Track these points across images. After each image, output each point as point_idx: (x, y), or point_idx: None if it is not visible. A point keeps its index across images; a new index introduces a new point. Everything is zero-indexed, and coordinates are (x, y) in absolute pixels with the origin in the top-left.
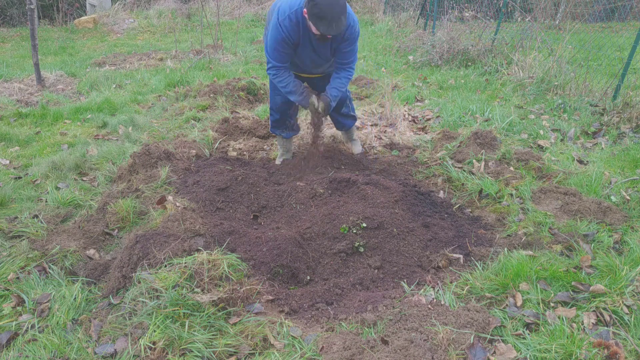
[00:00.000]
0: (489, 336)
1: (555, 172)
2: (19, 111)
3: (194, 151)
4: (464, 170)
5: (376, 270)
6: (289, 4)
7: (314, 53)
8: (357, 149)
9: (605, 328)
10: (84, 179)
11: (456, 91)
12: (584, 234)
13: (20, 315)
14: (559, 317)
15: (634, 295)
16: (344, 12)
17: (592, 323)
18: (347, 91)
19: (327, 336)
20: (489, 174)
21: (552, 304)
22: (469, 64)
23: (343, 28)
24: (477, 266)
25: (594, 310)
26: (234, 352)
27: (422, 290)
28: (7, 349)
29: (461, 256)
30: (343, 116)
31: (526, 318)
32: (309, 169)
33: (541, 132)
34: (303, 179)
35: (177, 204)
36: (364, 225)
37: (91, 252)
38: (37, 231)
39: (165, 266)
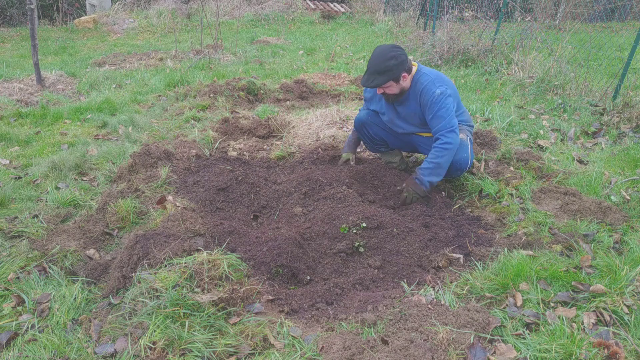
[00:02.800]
0: (489, 336)
1: (555, 172)
2: (19, 111)
3: (194, 151)
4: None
5: (376, 270)
6: None
7: (395, 115)
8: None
9: (605, 328)
10: (84, 179)
11: None
12: (584, 234)
13: (20, 315)
14: (559, 317)
15: (634, 295)
16: (381, 71)
17: (592, 323)
18: (465, 158)
19: (327, 336)
20: (489, 173)
21: (552, 304)
22: (469, 63)
23: (374, 84)
24: (477, 266)
25: (594, 310)
26: (234, 352)
27: (422, 290)
28: (7, 349)
29: (461, 256)
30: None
31: (526, 318)
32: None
33: (541, 132)
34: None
35: (177, 204)
36: (364, 225)
37: (91, 252)
38: (37, 231)
39: (165, 266)
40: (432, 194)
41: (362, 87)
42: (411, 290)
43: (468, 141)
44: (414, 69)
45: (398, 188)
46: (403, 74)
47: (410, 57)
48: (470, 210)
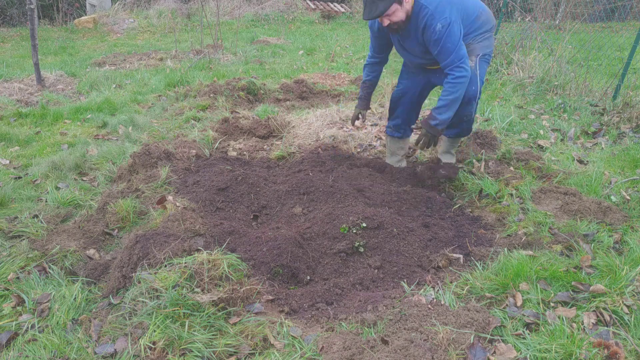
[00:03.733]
0: (489, 336)
1: (555, 172)
2: (19, 111)
3: (194, 151)
4: (464, 170)
5: (376, 270)
6: None
7: (401, 47)
8: (445, 158)
9: (605, 328)
10: (84, 179)
11: None
12: (584, 234)
13: (20, 315)
14: (559, 317)
15: (634, 295)
16: None
17: (592, 323)
18: (475, 90)
19: (327, 336)
20: (489, 173)
21: (552, 304)
22: None
23: (377, 12)
24: (477, 266)
25: (594, 310)
26: (234, 352)
27: (422, 290)
28: (7, 349)
29: (461, 256)
30: (457, 117)
31: (526, 318)
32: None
33: (541, 132)
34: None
35: (177, 204)
36: (364, 225)
37: (91, 252)
38: (37, 231)
39: (165, 266)
40: (433, 195)
41: (367, 19)
42: (411, 290)
43: (477, 67)
44: None
45: (413, 126)
46: None
47: None
48: (470, 210)
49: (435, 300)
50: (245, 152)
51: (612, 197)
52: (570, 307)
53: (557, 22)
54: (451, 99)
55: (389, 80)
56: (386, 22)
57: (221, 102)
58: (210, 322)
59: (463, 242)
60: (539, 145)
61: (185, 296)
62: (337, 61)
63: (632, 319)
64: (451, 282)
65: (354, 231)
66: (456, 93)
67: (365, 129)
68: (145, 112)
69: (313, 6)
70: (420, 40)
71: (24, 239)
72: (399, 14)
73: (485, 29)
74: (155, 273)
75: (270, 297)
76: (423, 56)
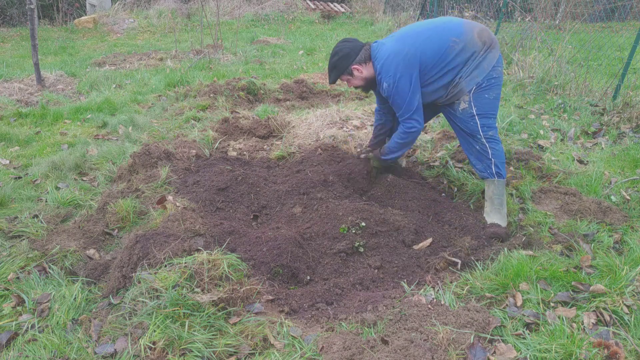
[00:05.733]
0: (489, 336)
1: (555, 172)
2: (19, 111)
3: (194, 151)
4: (464, 170)
5: (376, 270)
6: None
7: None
8: (489, 217)
9: (605, 328)
10: (84, 179)
11: None
12: (584, 234)
13: (20, 315)
14: (559, 317)
15: (634, 295)
16: (330, 68)
17: (592, 323)
18: (473, 126)
19: (327, 336)
20: None
21: (552, 304)
22: None
23: (330, 80)
24: (477, 266)
25: (594, 310)
26: (234, 352)
27: (422, 290)
28: (7, 348)
29: (459, 262)
30: (472, 152)
31: (526, 318)
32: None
33: (541, 132)
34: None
35: (177, 204)
36: (363, 224)
37: (91, 252)
38: (37, 231)
39: (165, 266)
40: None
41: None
42: (411, 290)
43: (471, 104)
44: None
45: (361, 156)
46: (354, 66)
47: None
48: (471, 210)
49: (435, 300)
50: (245, 152)
51: (612, 197)
52: (570, 307)
53: (557, 22)
54: (401, 143)
55: None
56: (349, 85)
57: (221, 102)
58: (210, 322)
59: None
60: (539, 145)
61: (185, 296)
62: None
63: (632, 319)
64: (451, 282)
65: (354, 231)
66: (406, 140)
67: (365, 129)
68: (145, 112)
69: (313, 6)
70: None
71: (24, 239)
72: (353, 81)
73: (469, 57)
74: (155, 273)
75: (270, 297)
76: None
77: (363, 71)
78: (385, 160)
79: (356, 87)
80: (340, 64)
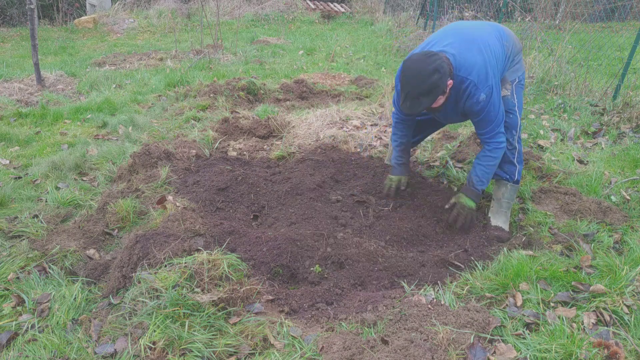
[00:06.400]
0: (489, 336)
1: (555, 172)
2: (19, 111)
3: (194, 151)
4: (464, 170)
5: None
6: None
7: (432, 114)
8: (494, 218)
9: (605, 328)
10: (84, 179)
11: None
12: (584, 234)
13: (20, 315)
14: (559, 317)
15: (634, 295)
16: (426, 91)
17: (592, 323)
18: (514, 119)
19: (327, 336)
20: None
21: (552, 304)
22: None
23: (421, 108)
24: (477, 266)
25: (594, 310)
26: (234, 352)
27: (422, 290)
28: (7, 348)
29: (462, 266)
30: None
31: (526, 318)
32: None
33: (541, 132)
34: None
35: (177, 204)
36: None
37: (91, 252)
38: (37, 231)
39: (165, 266)
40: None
41: (398, 108)
42: (411, 290)
43: (514, 95)
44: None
45: (446, 207)
46: (448, 82)
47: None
48: None
49: (435, 300)
50: (245, 152)
51: (612, 197)
52: (570, 307)
53: (557, 22)
54: (494, 164)
55: (389, 80)
56: (435, 105)
57: (221, 102)
58: (210, 322)
59: (464, 243)
60: (539, 145)
61: (185, 296)
62: (337, 61)
63: (632, 319)
64: (451, 282)
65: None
66: (497, 159)
67: (365, 129)
68: (145, 112)
69: (313, 6)
70: (460, 109)
71: (24, 239)
72: (440, 101)
73: (514, 56)
74: (155, 273)
75: (270, 297)
76: (458, 120)
77: (450, 84)
78: (480, 192)
79: (435, 109)
80: (442, 83)
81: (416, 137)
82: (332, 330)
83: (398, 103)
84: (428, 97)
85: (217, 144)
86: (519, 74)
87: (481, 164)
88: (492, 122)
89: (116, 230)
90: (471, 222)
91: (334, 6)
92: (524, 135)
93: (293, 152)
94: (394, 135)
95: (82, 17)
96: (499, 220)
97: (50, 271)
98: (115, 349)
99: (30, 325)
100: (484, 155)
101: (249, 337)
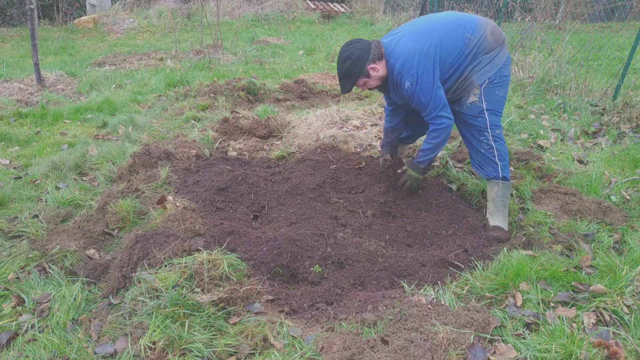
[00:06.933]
0: (489, 336)
1: (555, 172)
2: (19, 111)
3: (194, 151)
4: (464, 170)
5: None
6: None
7: (395, 98)
8: (492, 219)
9: (605, 328)
10: (84, 179)
11: None
12: (584, 234)
13: (20, 315)
14: (559, 317)
15: (634, 295)
16: (344, 76)
17: (592, 323)
18: (482, 121)
19: (327, 336)
20: None
21: (552, 304)
22: None
23: (345, 90)
24: (477, 266)
25: (594, 310)
26: (234, 352)
27: (422, 290)
28: (7, 348)
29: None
30: (478, 153)
31: (526, 318)
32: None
33: (541, 132)
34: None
35: (177, 204)
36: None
37: (91, 252)
38: (37, 231)
39: (165, 266)
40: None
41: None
42: (411, 290)
43: (482, 99)
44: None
45: (398, 171)
46: (370, 66)
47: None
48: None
49: (435, 300)
50: (245, 152)
51: (612, 197)
52: (570, 307)
53: (557, 22)
54: (434, 143)
55: None
56: (364, 88)
57: (221, 102)
58: (210, 322)
59: (464, 243)
60: (539, 145)
61: (185, 296)
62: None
63: (632, 319)
64: (451, 282)
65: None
66: (438, 138)
67: (365, 129)
68: (145, 112)
69: (313, 6)
70: (401, 94)
71: (24, 239)
72: (370, 83)
73: (483, 51)
74: (155, 273)
75: (270, 297)
76: (405, 103)
77: (379, 69)
78: (423, 167)
79: (372, 89)
80: (354, 68)
81: (406, 132)
82: (332, 330)
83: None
84: (347, 80)
85: (217, 144)
86: (491, 74)
87: (425, 141)
88: (426, 106)
89: (116, 230)
90: (417, 187)
91: (334, 6)
92: (524, 135)
93: (293, 152)
94: (385, 120)
95: (82, 17)
96: (497, 220)
97: (50, 271)
98: (115, 349)
99: (30, 325)
100: (428, 133)
101: (249, 337)
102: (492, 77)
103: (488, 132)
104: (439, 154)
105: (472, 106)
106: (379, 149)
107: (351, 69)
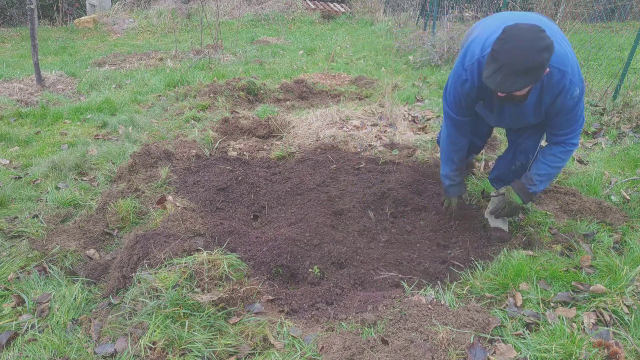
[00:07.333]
0: (489, 336)
1: None
2: (19, 111)
3: (194, 151)
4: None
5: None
6: (484, 41)
7: (492, 110)
8: (492, 219)
9: (605, 328)
10: (84, 179)
11: None
12: (584, 234)
13: (20, 315)
14: (559, 317)
15: (634, 295)
16: (531, 68)
17: (592, 323)
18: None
19: (327, 336)
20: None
21: (552, 304)
22: None
23: (514, 87)
24: (477, 266)
25: (594, 310)
26: (234, 352)
27: (422, 290)
28: (7, 349)
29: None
30: (515, 167)
31: (526, 318)
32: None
33: None
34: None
35: (177, 204)
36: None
37: (91, 252)
38: (37, 231)
39: (165, 266)
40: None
41: (499, 92)
42: (411, 290)
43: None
44: None
45: (492, 194)
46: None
47: (411, 57)
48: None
49: (435, 300)
50: (245, 152)
51: (612, 197)
52: (570, 307)
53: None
54: (561, 166)
55: (389, 80)
56: (520, 94)
57: (221, 102)
58: (210, 322)
59: (464, 244)
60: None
61: (185, 296)
62: (337, 61)
63: (632, 319)
64: (451, 282)
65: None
66: (564, 162)
67: (365, 129)
68: (145, 112)
69: (313, 6)
70: (544, 106)
71: (24, 239)
72: (525, 89)
73: None
74: (155, 273)
75: (270, 297)
76: (530, 120)
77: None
78: (535, 194)
79: (520, 96)
80: (547, 63)
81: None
82: (332, 330)
83: (453, 105)
84: (528, 76)
85: (217, 144)
86: None
87: (546, 164)
88: (577, 121)
89: (116, 230)
90: (515, 214)
91: (334, 6)
92: None
93: (293, 152)
94: (447, 146)
95: (82, 17)
96: (497, 220)
97: (50, 271)
98: (115, 349)
99: (30, 325)
100: (551, 154)
101: (249, 337)
102: None
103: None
104: (439, 154)
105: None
106: (379, 148)
107: (544, 65)
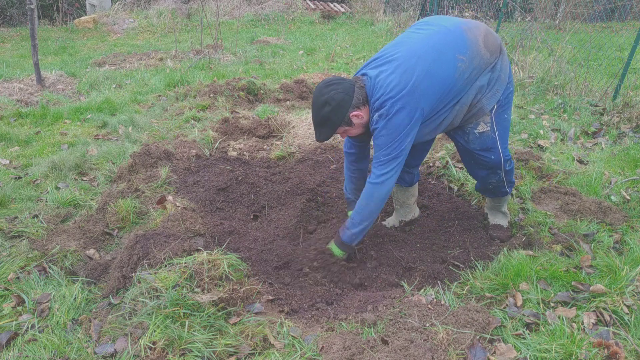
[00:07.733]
0: (489, 336)
1: (555, 172)
2: (19, 111)
3: (194, 151)
4: (465, 171)
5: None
6: None
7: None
8: (492, 215)
9: (605, 328)
10: (84, 179)
11: None
12: (584, 234)
13: (20, 315)
14: (559, 317)
15: (634, 295)
16: (320, 123)
17: (592, 323)
18: (496, 159)
19: (327, 336)
20: None
21: (552, 304)
22: None
23: (322, 138)
24: (477, 266)
25: (594, 310)
26: (234, 352)
27: (422, 290)
28: (7, 348)
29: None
30: (486, 184)
31: (526, 318)
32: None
33: (541, 132)
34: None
35: (177, 204)
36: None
37: (91, 252)
38: (37, 231)
39: (165, 266)
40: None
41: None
42: (411, 290)
43: (494, 128)
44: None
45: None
46: (353, 113)
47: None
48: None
49: (435, 300)
50: (245, 152)
51: (612, 197)
52: (570, 307)
53: (557, 22)
54: (372, 204)
55: None
56: (343, 136)
57: (221, 102)
58: (210, 322)
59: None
60: (539, 145)
61: (185, 296)
62: (337, 61)
63: (632, 319)
64: (451, 282)
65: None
66: (377, 195)
67: None
68: (145, 112)
69: (313, 6)
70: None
71: (24, 239)
72: (352, 131)
73: (480, 72)
74: (155, 273)
75: (270, 297)
76: (431, 134)
77: (364, 116)
78: (352, 244)
79: (353, 137)
80: (334, 115)
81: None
82: (332, 330)
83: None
84: (323, 128)
85: (217, 144)
86: (499, 94)
87: (358, 204)
88: (384, 146)
89: (116, 230)
90: (324, 266)
91: (334, 6)
92: (524, 135)
93: (293, 152)
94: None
95: (82, 17)
96: (497, 215)
97: (50, 271)
98: (115, 349)
99: (30, 325)
100: (365, 188)
101: (249, 337)
102: (501, 98)
103: (501, 170)
104: (439, 154)
105: (483, 137)
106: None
107: (330, 117)
